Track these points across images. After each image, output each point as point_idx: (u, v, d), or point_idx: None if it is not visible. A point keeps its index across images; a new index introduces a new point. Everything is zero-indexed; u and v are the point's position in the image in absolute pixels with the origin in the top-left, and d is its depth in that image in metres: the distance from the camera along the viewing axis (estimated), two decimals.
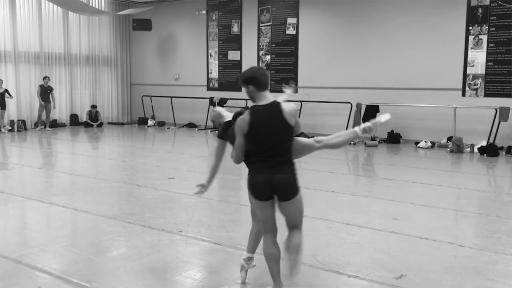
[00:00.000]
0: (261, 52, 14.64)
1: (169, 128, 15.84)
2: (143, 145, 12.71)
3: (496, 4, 10.99)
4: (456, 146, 10.87)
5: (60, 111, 15.81)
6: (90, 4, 15.89)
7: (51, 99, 14.64)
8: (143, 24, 16.30)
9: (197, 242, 4.77)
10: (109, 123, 17.03)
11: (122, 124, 17.02)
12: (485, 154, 10.47)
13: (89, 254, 4.38)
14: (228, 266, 4.12)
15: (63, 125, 15.76)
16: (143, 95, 16.96)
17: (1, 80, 13.79)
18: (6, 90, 13.82)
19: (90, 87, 16.71)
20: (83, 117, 16.25)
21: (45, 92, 14.49)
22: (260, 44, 14.65)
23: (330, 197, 6.66)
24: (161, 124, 16.53)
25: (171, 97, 16.11)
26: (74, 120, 16.16)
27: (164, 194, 6.72)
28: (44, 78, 14.62)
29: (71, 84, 16.11)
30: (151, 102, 16.71)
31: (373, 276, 3.93)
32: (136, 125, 16.83)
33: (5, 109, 13.85)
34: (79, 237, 5.00)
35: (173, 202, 6.31)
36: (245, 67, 14.72)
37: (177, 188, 7.05)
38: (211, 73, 15.83)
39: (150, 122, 16.51)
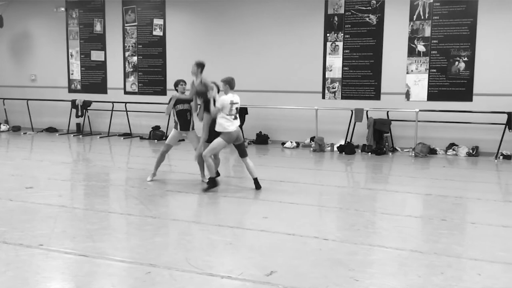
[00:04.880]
0: (127, 53, 14.16)
1: (25, 133, 14.60)
2: None
3: (350, 13, 11.91)
4: (318, 146, 11.56)
5: None
6: None
7: None
8: None
9: (60, 255, 4.42)
10: None
11: None
12: (343, 152, 11.28)
13: None
14: (96, 278, 3.89)
15: None
16: None
17: None
18: None
19: None
20: None
21: None
22: (126, 44, 14.16)
23: (203, 200, 6.64)
24: (16, 129, 15.17)
25: (27, 99, 14.87)
26: None
27: (21, 205, 6.15)
28: None
29: None
30: (4, 105, 15.25)
31: (245, 275, 3.99)
32: None
33: None
34: None
35: (32, 213, 5.79)
36: (110, 68, 14.21)
37: (36, 198, 6.50)
38: (72, 74, 14.92)
39: (3, 127, 15.06)
